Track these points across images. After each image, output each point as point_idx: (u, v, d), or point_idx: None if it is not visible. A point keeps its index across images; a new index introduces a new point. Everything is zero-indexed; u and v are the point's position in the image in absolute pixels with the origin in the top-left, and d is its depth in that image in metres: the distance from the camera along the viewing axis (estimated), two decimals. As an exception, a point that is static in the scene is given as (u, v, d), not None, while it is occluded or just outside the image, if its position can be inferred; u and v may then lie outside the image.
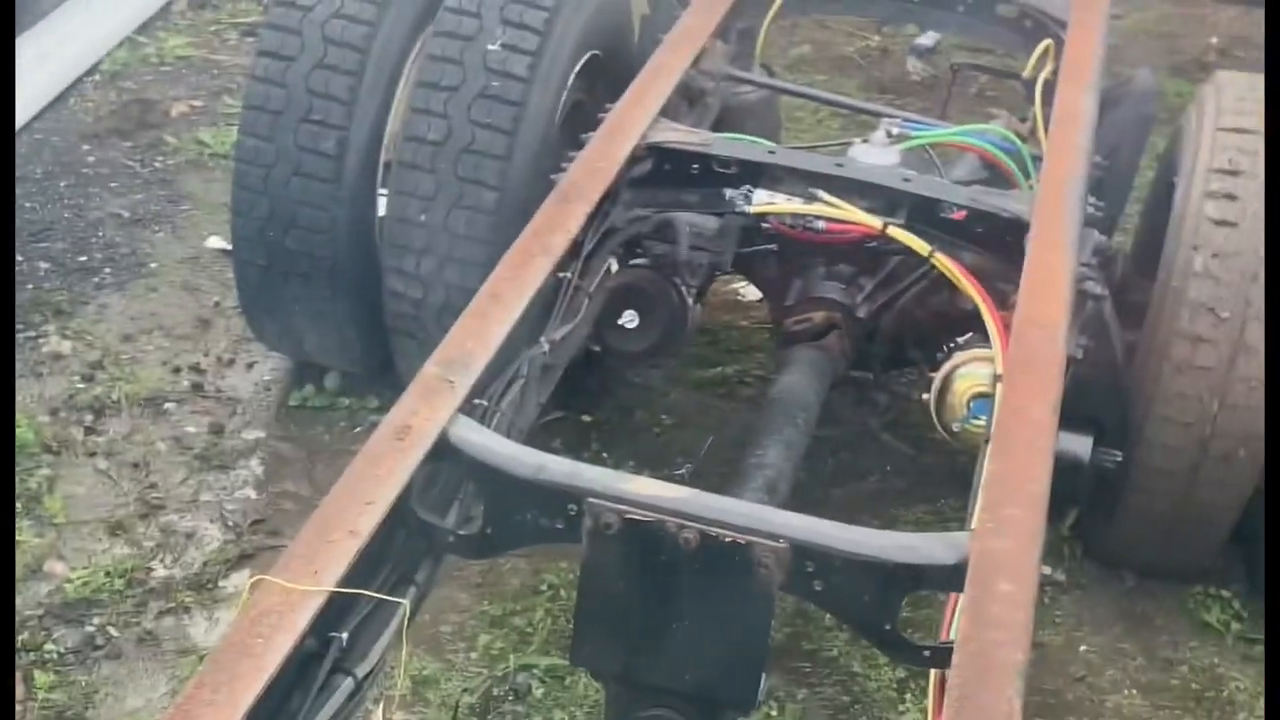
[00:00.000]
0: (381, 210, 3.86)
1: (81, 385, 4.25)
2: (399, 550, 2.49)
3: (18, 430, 3.96)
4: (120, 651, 3.46)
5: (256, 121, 3.79)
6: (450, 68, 3.68)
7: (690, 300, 3.52)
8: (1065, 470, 3.27)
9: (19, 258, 4.73)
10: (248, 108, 3.81)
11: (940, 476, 4.16)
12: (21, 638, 3.44)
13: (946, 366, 3.29)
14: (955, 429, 3.29)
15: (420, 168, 3.67)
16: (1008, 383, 2.78)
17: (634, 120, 3.48)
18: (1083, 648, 3.74)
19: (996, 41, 4.60)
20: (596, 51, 4.02)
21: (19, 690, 3.30)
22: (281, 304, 3.97)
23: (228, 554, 3.74)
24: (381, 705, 3.21)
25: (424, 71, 3.72)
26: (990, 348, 3.12)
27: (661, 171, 3.48)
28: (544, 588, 3.69)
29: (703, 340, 4.60)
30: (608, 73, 4.10)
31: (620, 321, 3.48)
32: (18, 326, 4.41)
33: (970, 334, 3.30)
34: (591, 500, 2.42)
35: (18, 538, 3.69)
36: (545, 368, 3.03)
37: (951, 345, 3.33)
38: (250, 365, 4.40)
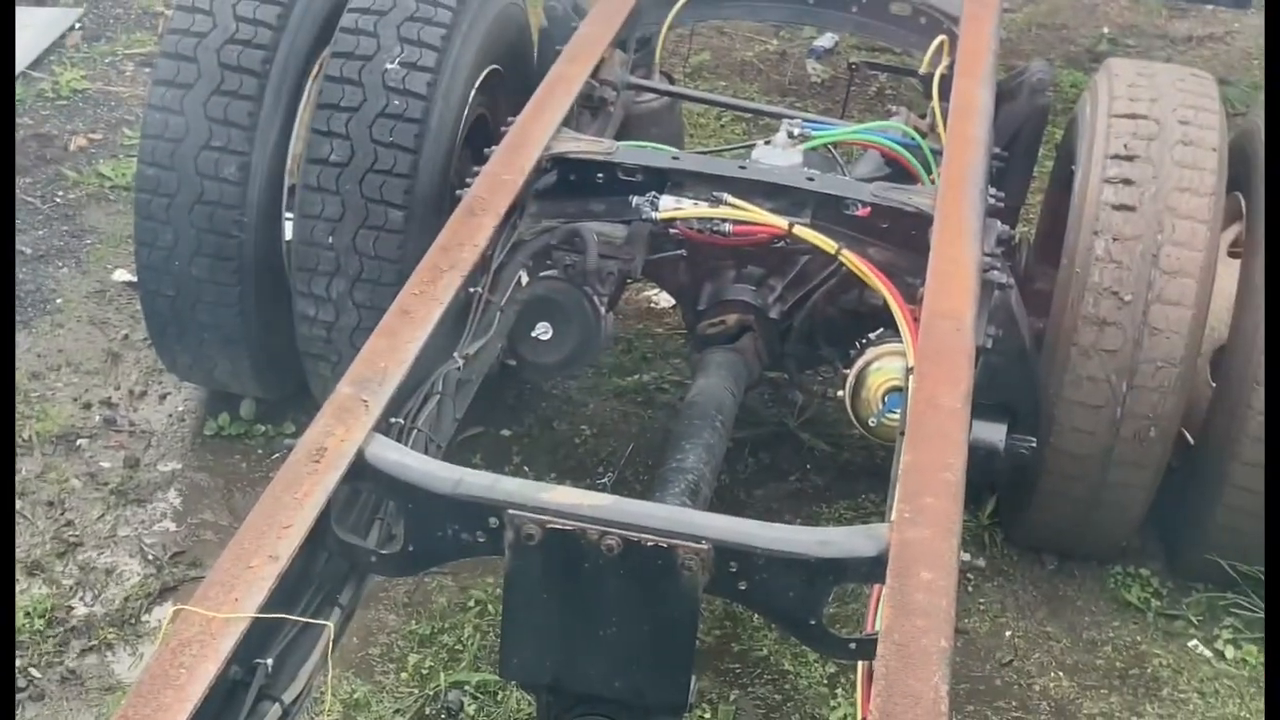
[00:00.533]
0: (288, 234, 3.84)
1: (-9, 425, 4.18)
2: (321, 573, 2.47)
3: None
4: (44, 692, 3.42)
5: (156, 150, 3.76)
6: (350, 88, 3.67)
7: (602, 309, 3.52)
8: (981, 458, 3.32)
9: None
10: (147, 137, 3.77)
11: (859, 472, 4.20)
12: (-59, 682, 3.40)
13: (859, 363, 3.31)
14: (871, 424, 3.31)
15: (325, 190, 3.65)
16: (919, 375, 2.80)
17: (537, 132, 3.48)
18: (1008, 633, 3.79)
19: (892, 40, 4.65)
20: (496, 66, 4.02)
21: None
22: (191, 333, 3.93)
23: (149, 588, 3.70)
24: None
25: (324, 93, 3.70)
26: (901, 342, 3.15)
27: (567, 182, 3.48)
28: (471, 604, 3.68)
29: (618, 349, 4.61)
30: (509, 86, 4.10)
31: (534, 334, 3.48)
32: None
33: (881, 329, 3.33)
34: (512, 512, 2.42)
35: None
36: (460, 383, 3.02)
37: (863, 341, 3.35)
38: (163, 397, 4.35)
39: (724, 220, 3.34)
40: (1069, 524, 3.84)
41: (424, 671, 3.51)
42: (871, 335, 3.34)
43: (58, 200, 5.25)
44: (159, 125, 3.75)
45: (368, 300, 3.66)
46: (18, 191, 5.25)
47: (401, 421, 2.72)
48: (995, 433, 3.45)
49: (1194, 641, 3.78)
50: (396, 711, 3.40)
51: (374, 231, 3.64)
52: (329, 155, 3.64)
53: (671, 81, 4.60)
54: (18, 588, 3.67)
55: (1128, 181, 3.53)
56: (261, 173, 3.77)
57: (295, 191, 3.76)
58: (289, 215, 3.84)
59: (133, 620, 3.61)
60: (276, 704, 2.26)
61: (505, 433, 4.24)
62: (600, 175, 3.47)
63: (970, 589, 3.87)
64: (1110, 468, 3.61)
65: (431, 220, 3.55)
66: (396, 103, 3.65)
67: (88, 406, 4.30)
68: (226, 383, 4.12)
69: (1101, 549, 3.96)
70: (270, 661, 2.24)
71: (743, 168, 3.48)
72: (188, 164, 3.73)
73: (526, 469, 4.08)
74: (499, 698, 3.42)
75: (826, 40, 6.57)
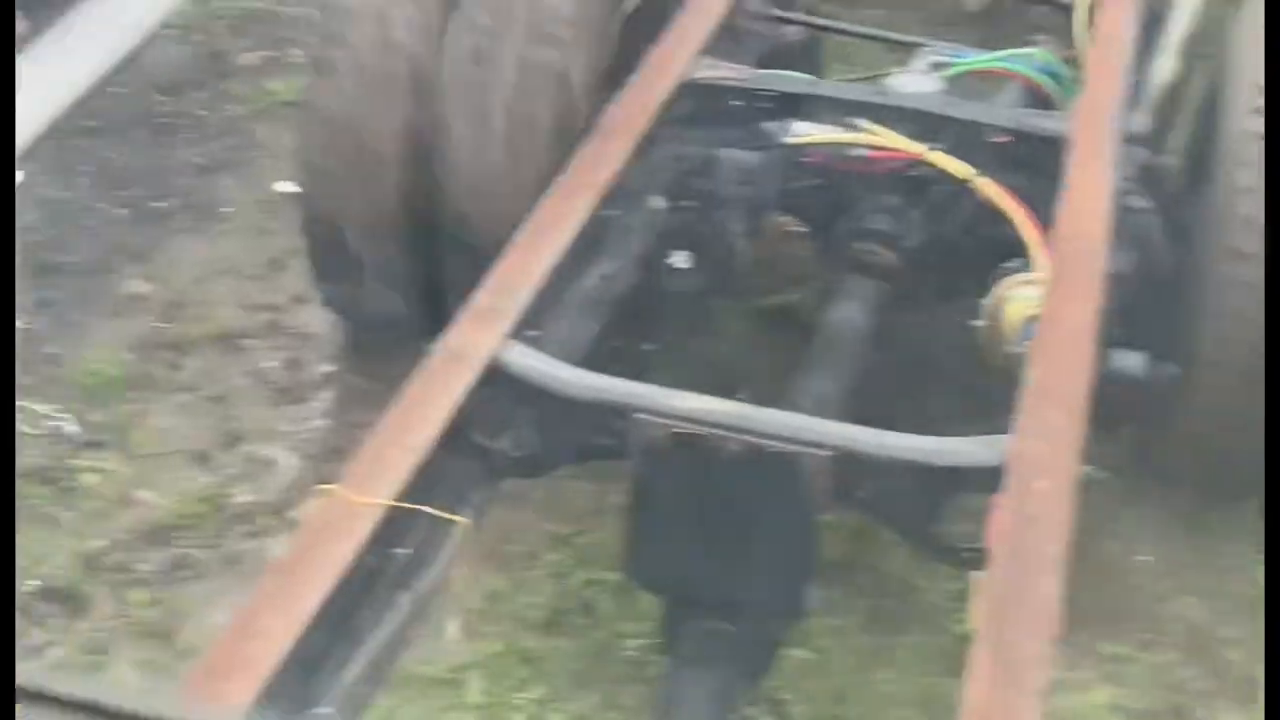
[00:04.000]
0: None
1: (163, 325, 4.37)
2: (455, 472, 2.58)
3: (104, 368, 4.13)
4: (207, 572, 3.60)
5: None
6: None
7: (739, 239, 3.56)
8: (1121, 387, 3.32)
9: (100, 205, 4.87)
10: None
11: (998, 398, 4.19)
12: (114, 559, 3.61)
13: (997, 292, 3.33)
14: (1010, 353, 3.33)
15: None
16: (1048, 294, 2.83)
17: (674, 58, 3.51)
18: (1140, 557, 3.77)
19: None
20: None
21: (112, 609, 3.48)
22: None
23: (305, 481, 3.83)
24: (453, 618, 3.32)
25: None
26: (1038, 270, 3.16)
27: (703, 108, 3.50)
28: (608, 507, 3.71)
29: (760, 269, 4.63)
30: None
31: (670, 262, 3.52)
32: (100, 271, 4.57)
33: (1019, 258, 3.34)
34: (640, 415, 2.50)
35: (108, 468, 3.86)
36: (595, 302, 3.10)
37: (1000, 270, 3.37)
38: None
39: (858, 146, 3.35)
40: (1209, 456, 3.82)
41: (561, 570, 3.62)
42: (1008, 264, 3.36)
43: (227, 114, 5.42)
44: None
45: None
46: (190, 105, 5.44)
47: (536, 334, 2.82)
48: (1135, 361, 3.44)
49: (1338, 572, 3.74)
50: (531, 606, 3.51)
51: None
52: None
53: (813, 15, 4.58)
54: (185, 475, 3.87)
55: (1278, 110, 3.48)
56: None
57: None
58: None
59: (289, 510, 3.76)
60: (411, 594, 2.36)
61: (645, 346, 4.29)
62: (736, 102, 3.50)
63: (1105, 514, 3.86)
64: (1252, 402, 3.57)
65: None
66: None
67: (252, 310, 4.45)
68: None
69: (1242, 481, 3.92)
70: (405, 553, 2.36)
71: (879, 94, 3.49)
72: None
73: (665, 383, 4.13)
74: (632, 598, 3.48)
75: (985, -30, 6.48)
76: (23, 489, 3.76)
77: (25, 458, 3.86)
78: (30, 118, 5.17)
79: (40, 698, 0.81)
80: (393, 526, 2.33)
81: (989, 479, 2.45)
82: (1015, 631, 2.15)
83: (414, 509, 2.38)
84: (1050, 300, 2.82)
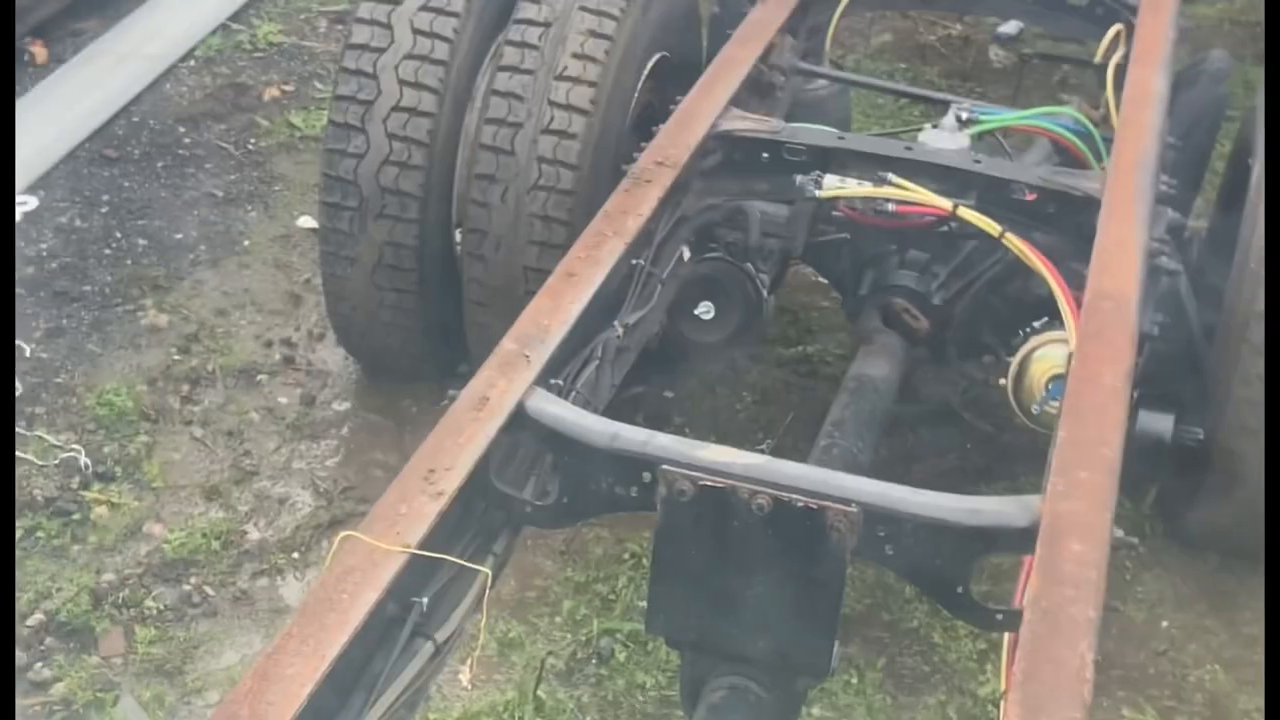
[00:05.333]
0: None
1: (178, 357, 4.37)
2: (478, 520, 2.54)
3: (117, 399, 4.11)
4: (216, 610, 3.58)
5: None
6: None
7: (764, 290, 3.54)
8: (1147, 448, 3.29)
9: (118, 234, 4.87)
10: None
11: (1021, 455, 4.17)
12: (122, 594, 3.57)
13: (1023, 350, 3.30)
14: (1034, 411, 3.30)
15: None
16: (1079, 353, 2.79)
17: (704, 109, 3.50)
18: (1165, 623, 3.74)
19: (1070, 30, 4.59)
20: (665, 53, 4.01)
21: (120, 645, 3.44)
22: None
23: (319, 519, 3.84)
24: (467, 664, 3.30)
25: (497, 83, 3.71)
26: (1065, 330, 3.13)
27: (732, 160, 3.49)
28: (627, 556, 3.75)
29: (784, 319, 4.62)
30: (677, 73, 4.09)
31: (696, 312, 3.50)
32: (117, 301, 4.55)
33: (1046, 318, 3.31)
34: (665, 468, 2.47)
35: (119, 501, 3.84)
36: (619, 350, 3.06)
37: (1027, 329, 3.35)
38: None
39: (887, 200, 3.34)
40: (1234, 523, 3.76)
41: (578, 617, 3.60)
42: (1035, 324, 3.33)
43: (249, 147, 5.43)
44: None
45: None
46: (213, 137, 5.45)
47: (560, 382, 2.79)
48: (1162, 423, 3.41)
49: (1362, 646, 3.70)
50: (550, 653, 3.48)
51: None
52: (494, 170, 3.66)
53: (839, 69, 4.58)
54: (196, 510, 3.85)
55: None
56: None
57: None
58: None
59: (303, 548, 3.76)
60: (430, 642, 2.32)
61: (667, 394, 4.29)
62: (765, 154, 3.48)
63: (1128, 577, 3.83)
64: (1280, 470, 3.53)
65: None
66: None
67: (269, 345, 4.45)
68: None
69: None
70: (425, 601, 2.31)
71: (908, 149, 3.47)
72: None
73: (686, 432, 4.13)
74: (649, 648, 3.49)
75: (1011, 27, 6.50)
76: (32, 521, 3.75)
77: (35, 489, 3.84)
78: (49, 145, 5.19)
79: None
80: (414, 573, 2.30)
81: (1020, 539, 2.41)
82: (1047, 696, 2.10)
83: (437, 557, 2.34)
84: (1080, 360, 2.79)
